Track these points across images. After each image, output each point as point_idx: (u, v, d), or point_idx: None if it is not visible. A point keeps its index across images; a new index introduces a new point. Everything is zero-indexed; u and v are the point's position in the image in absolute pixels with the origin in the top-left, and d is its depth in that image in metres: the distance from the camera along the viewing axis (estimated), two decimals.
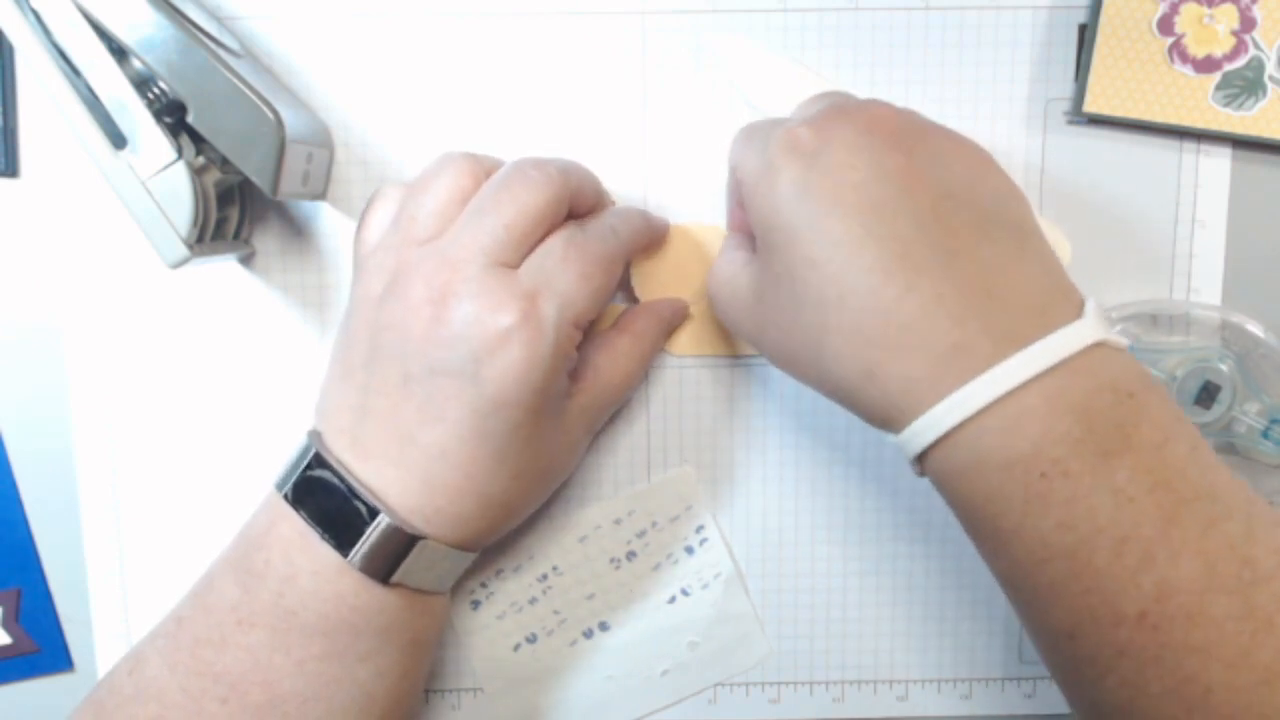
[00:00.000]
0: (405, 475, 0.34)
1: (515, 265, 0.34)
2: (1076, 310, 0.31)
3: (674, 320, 0.42)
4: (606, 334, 0.40)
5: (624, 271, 0.39)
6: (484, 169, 0.36)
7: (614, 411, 0.41)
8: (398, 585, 0.35)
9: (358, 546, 0.34)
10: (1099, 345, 0.30)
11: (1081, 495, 0.29)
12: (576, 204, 0.37)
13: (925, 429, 0.30)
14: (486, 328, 0.33)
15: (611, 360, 0.39)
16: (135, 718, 0.34)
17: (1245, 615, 0.29)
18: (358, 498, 0.34)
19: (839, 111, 0.33)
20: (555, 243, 0.35)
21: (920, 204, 0.31)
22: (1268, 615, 0.29)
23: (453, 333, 0.33)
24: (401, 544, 0.34)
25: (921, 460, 0.32)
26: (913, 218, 0.31)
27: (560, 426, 0.37)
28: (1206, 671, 0.29)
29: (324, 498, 0.34)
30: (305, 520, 0.34)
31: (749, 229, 0.37)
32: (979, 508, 0.31)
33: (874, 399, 0.31)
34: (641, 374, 0.41)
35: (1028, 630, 0.34)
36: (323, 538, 0.34)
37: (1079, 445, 0.29)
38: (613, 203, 0.41)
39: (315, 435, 0.36)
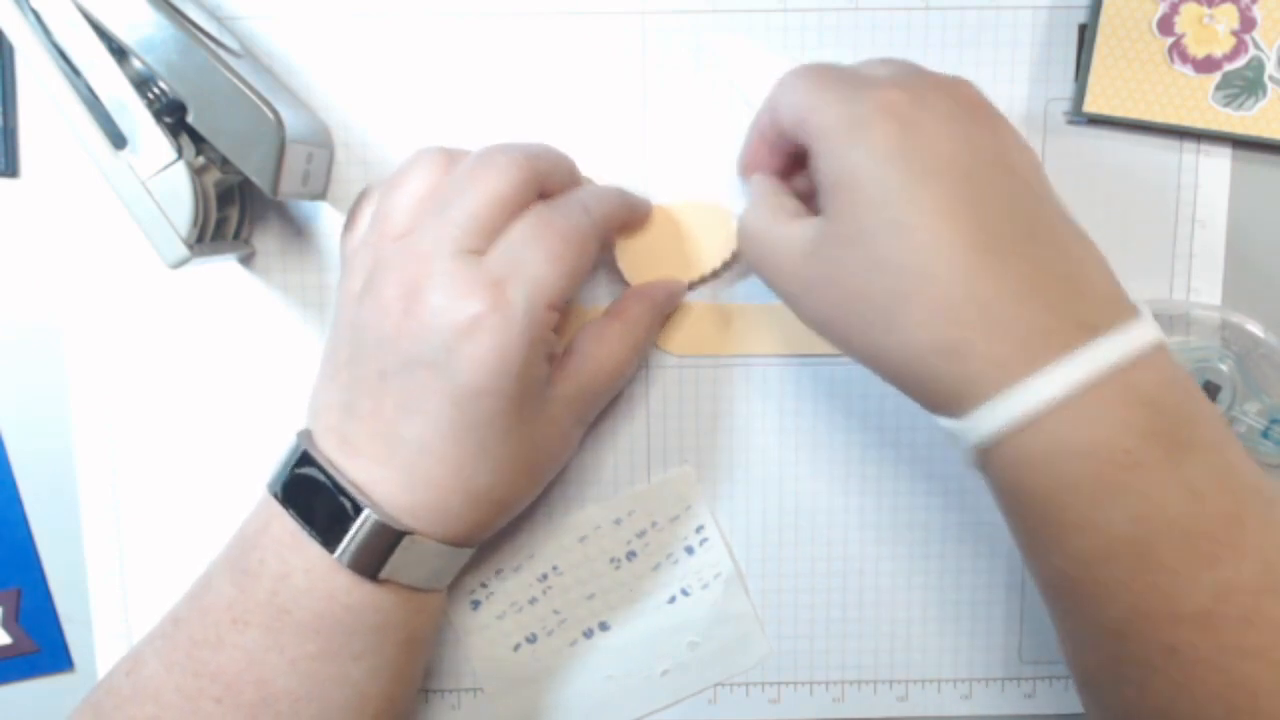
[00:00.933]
0: (391, 472, 0.34)
1: (484, 252, 0.34)
2: (1134, 308, 0.31)
3: (669, 302, 0.40)
4: (597, 320, 0.39)
5: (600, 250, 0.37)
6: (455, 161, 0.36)
7: (609, 400, 0.40)
8: (390, 582, 0.35)
9: (345, 543, 0.34)
10: (1161, 343, 0.30)
11: (1154, 488, 0.29)
12: (548, 186, 0.36)
13: (1004, 412, 0.29)
14: (455, 317, 0.32)
15: (601, 347, 0.38)
16: (132, 718, 0.34)
17: None
18: (344, 494, 0.34)
19: (932, 81, 0.33)
20: (523, 225, 0.34)
21: (1009, 185, 0.31)
22: None
23: (423, 324, 0.33)
24: (389, 540, 0.34)
25: (984, 448, 0.31)
26: (1004, 197, 0.31)
27: (546, 416, 0.36)
28: (1257, 675, 0.29)
29: (312, 496, 0.34)
30: (294, 518, 0.34)
31: (786, 176, 0.37)
32: (1048, 498, 0.30)
33: (950, 377, 0.30)
34: (634, 360, 0.39)
35: (1066, 631, 0.33)
36: (311, 535, 0.34)
37: (1153, 438, 0.29)
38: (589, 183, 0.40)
39: (305, 434, 0.36)
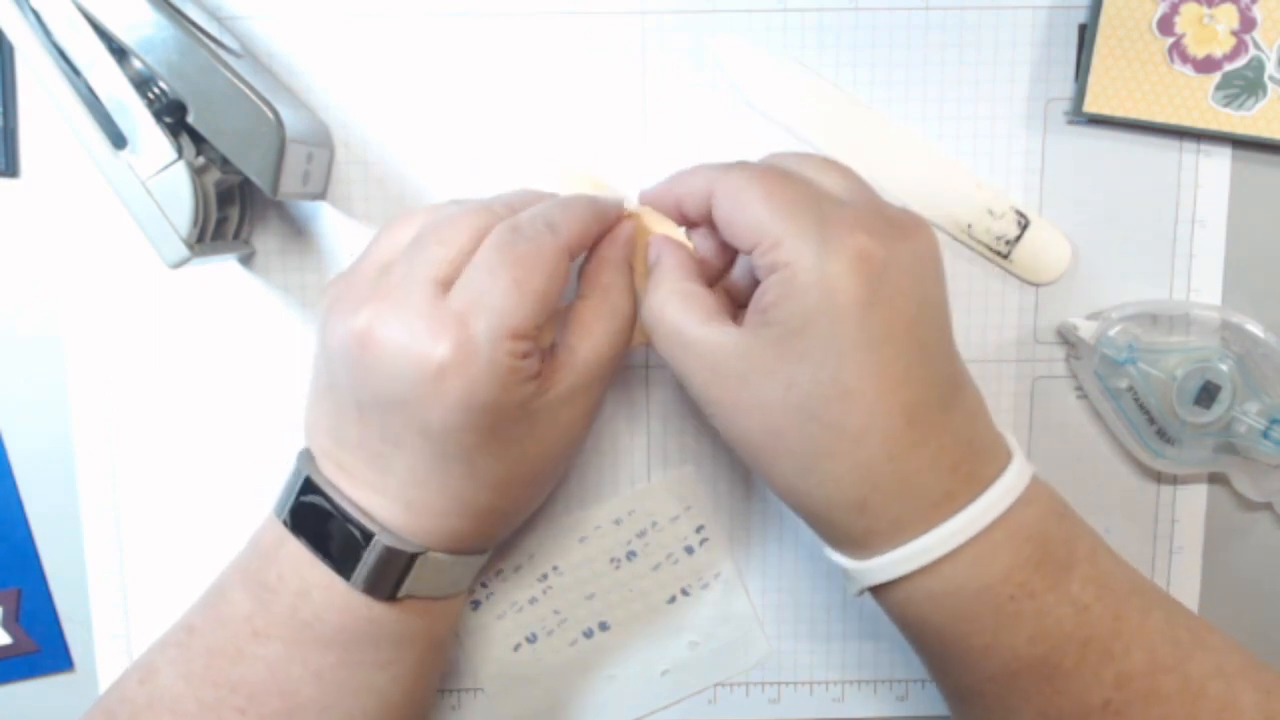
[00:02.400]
0: (388, 501, 0.34)
1: (449, 284, 0.32)
2: (1008, 449, 0.34)
3: (628, 248, 0.37)
4: (573, 305, 0.36)
5: (569, 266, 0.34)
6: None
7: (614, 375, 0.37)
8: (416, 597, 0.35)
9: (358, 569, 0.34)
10: (1033, 474, 0.33)
11: (1047, 610, 0.32)
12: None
13: (904, 562, 0.32)
14: (419, 361, 0.31)
15: (584, 336, 0.35)
16: None
17: (1184, 688, 0.32)
18: (351, 522, 0.34)
19: (898, 226, 0.32)
20: (484, 251, 0.32)
21: (941, 346, 0.33)
22: (1200, 684, 0.32)
23: (387, 364, 0.32)
24: (402, 562, 0.34)
25: (882, 587, 0.33)
26: (938, 359, 0.32)
27: (544, 422, 0.34)
28: None
29: (320, 523, 0.34)
30: (305, 546, 0.34)
31: (718, 275, 0.36)
32: (948, 628, 0.33)
33: (853, 528, 0.32)
34: (623, 330, 0.36)
35: None
36: (324, 563, 0.34)
37: (1040, 567, 0.32)
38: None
39: (305, 457, 0.36)
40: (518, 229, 0.33)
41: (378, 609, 0.34)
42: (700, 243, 0.36)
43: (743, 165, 0.34)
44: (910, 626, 0.34)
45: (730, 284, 0.37)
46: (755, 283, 0.33)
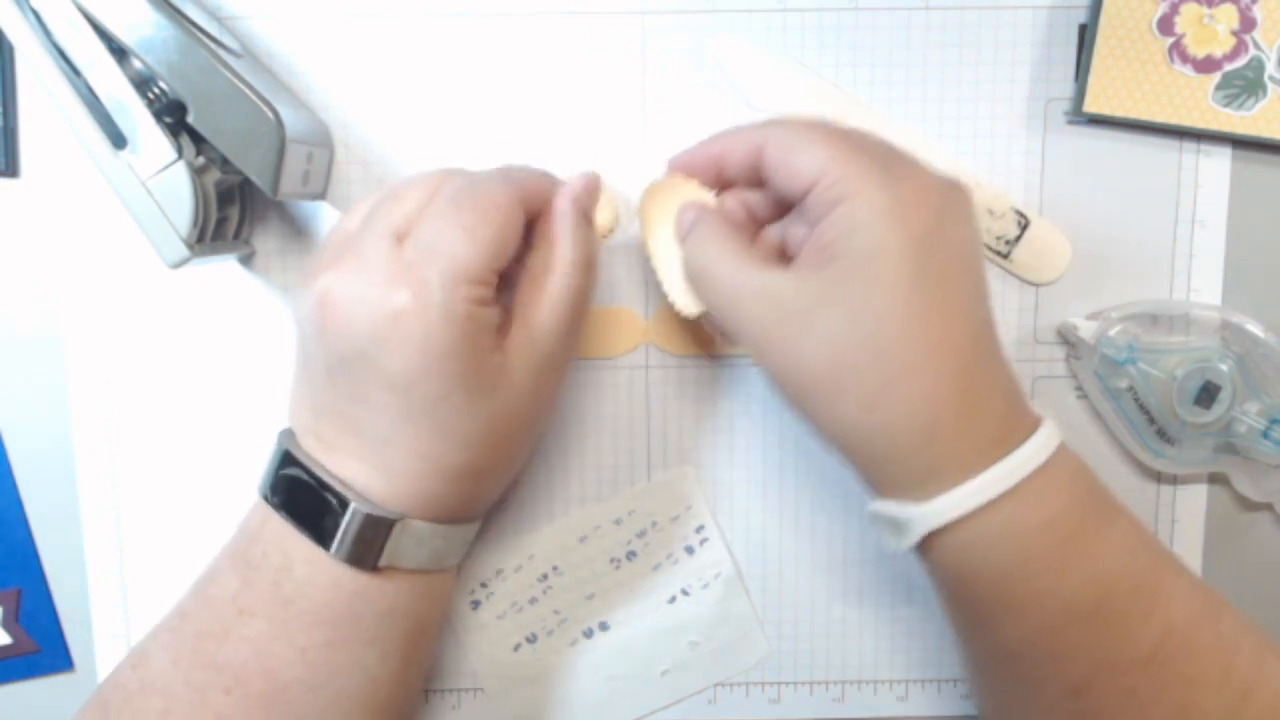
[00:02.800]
0: (365, 467, 0.34)
1: (404, 238, 0.33)
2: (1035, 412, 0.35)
3: (583, 198, 0.36)
4: (525, 263, 0.36)
5: (523, 218, 0.34)
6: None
7: (575, 338, 0.36)
8: (393, 569, 0.35)
9: (339, 539, 0.34)
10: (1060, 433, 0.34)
11: (1100, 552, 0.32)
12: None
13: (969, 496, 0.31)
14: (375, 309, 0.32)
15: (537, 293, 0.35)
16: (141, 712, 0.34)
17: (1219, 643, 0.33)
18: (328, 490, 0.34)
19: (949, 178, 0.33)
20: (436, 203, 0.33)
21: (986, 291, 0.34)
22: (1234, 641, 0.33)
23: (346, 318, 0.32)
24: (381, 530, 0.34)
25: (936, 533, 0.32)
26: (986, 307, 0.33)
27: (505, 382, 0.34)
28: (1200, 699, 0.32)
29: (299, 495, 0.34)
30: (285, 519, 0.34)
31: (750, 238, 0.36)
32: (1008, 573, 0.32)
33: (920, 460, 0.32)
34: (575, 279, 0.35)
35: (1016, 703, 0.35)
36: (304, 534, 0.34)
37: (1091, 509, 0.33)
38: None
39: (286, 434, 0.36)
40: (472, 180, 0.34)
41: (360, 582, 0.34)
42: (732, 204, 0.37)
43: (791, 117, 0.35)
44: (964, 580, 0.33)
45: (761, 244, 0.37)
46: (781, 246, 0.35)
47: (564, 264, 0.35)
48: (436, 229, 0.32)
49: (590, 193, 0.36)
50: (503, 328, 0.34)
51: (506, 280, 0.35)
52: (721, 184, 0.37)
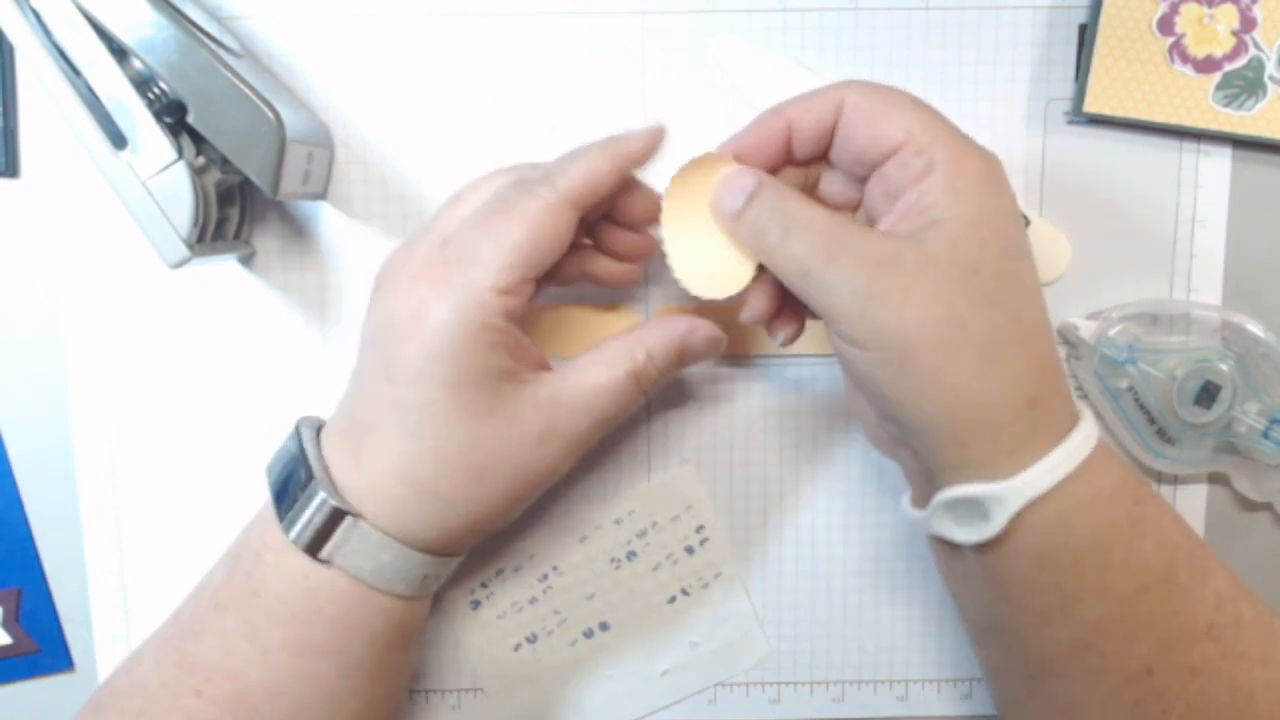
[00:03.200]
0: (346, 447, 0.34)
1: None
2: None
3: (694, 349, 0.36)
4: (600, 341, 0.36)
5: (573, 220, 0.33)
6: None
7: (598, 429, 0.35)
8: (343, 574, 0.34)
9: (298, 519, 0.33)
10: None
11: (1161, 517, 0.33)
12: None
13: (1063, 460, 0.31)
14: (399, 299, 0.33)
15: (593, 359, 0.35)
16: (124, 712, 0.34)
17: (1258, 617, 0.33)
18: (304, 464, 0.34)
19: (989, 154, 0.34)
20: (481, 203, 0.34)
21: None
22: (1269, 615, 0.34)
23: (378, 302, 0.34)
24: (334, 519, 0.33)
25: (1026, 514, 0.31)
26: None
27: (506, 414, 0.33)
28: (1250, 675, 0.32)
29: (285, 467, 0.35)
30: (269, 489, 0.35)
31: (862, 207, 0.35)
32: (1093, 541, 0.32)
33: (1018, 429, 0.31)
34: (627, 390, 0.35)
35: (1075, 703, 0.34)
36: (274, 510, 0.34)
37: (1140, 480, 0.33)
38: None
39: (311, 420, 0.37)
40: (519, 182, 0.34)
41: (313, 581, 0.34)
42: (791, 179, 0.35)
43: (862, 82, 0.34)
44: (1048, 561, 0.32)
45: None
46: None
47: (627, 370, 0.35)
48: (472, 234, 0.33)
49: (705, 349, 0.37)
50: (523, 355, 0.34)
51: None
52: (784, 161, 0.35)
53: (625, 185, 0.36)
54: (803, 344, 0.42)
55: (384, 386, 0.33)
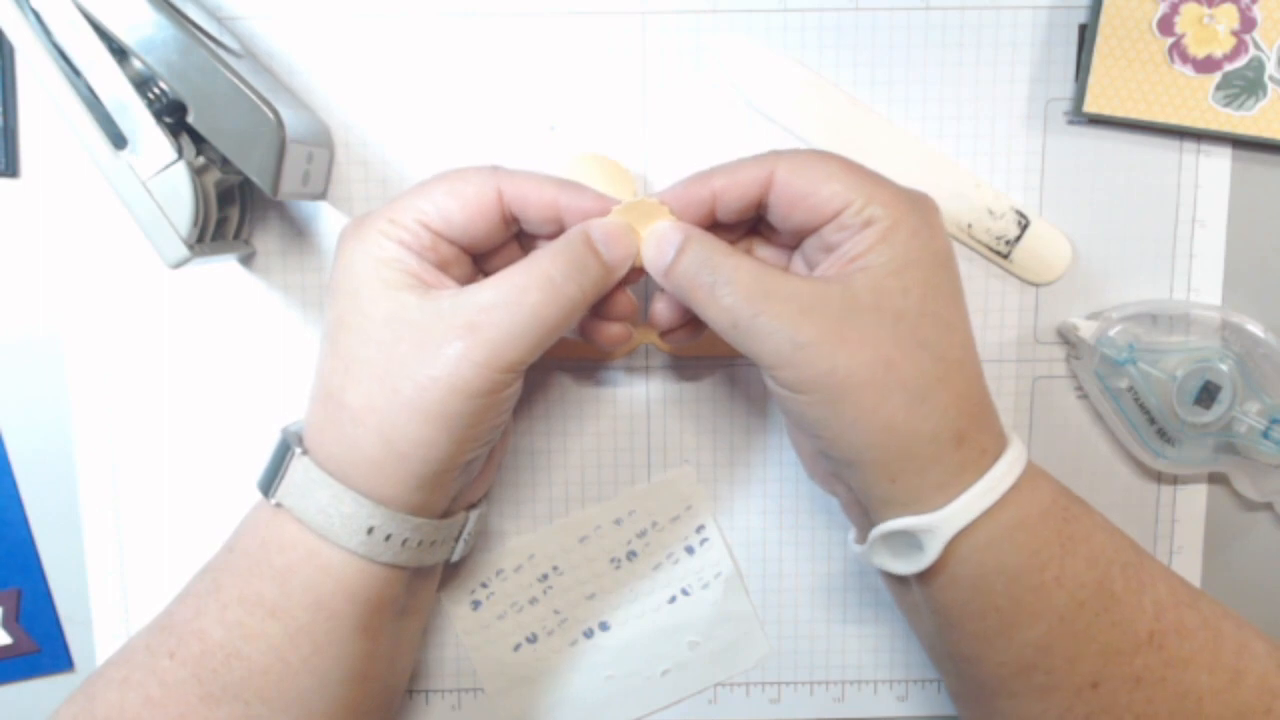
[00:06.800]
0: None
1: None
2: None
3: (610, 235, 0.34)
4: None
5: (493, 201, 0.34)
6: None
7: (526, 344, 0.32)
8: (293, 518, 0.34)
9: (266, 464, 0.35)
10: None
11: (1090, 532, 0.34)
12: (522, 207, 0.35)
13: (989, 493, 0.32)
14: (346, 231, 0.35)
15: (504, 276, 0.33)
16: (110, 681, 0.35)
17: (1204, 624, 0.34)
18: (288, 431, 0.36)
19: (927, 196, 0.35)
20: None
21: None
22: (1216, 622, 0.34)
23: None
24: (285, 456, 0.34)
25: (957, 542, 0.33)
26: None
27: (405, 318, 0.32)
28: (1196, 681, 0.33)
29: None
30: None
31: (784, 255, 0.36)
32: (1023, 564, 0.33)
33: (948, 464, 0.32)
34: (550, 297, 0.32)
35: (1036, 718, 0.35)
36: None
37: (1070, 497, 0.35)
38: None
39: None
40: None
41: (270, 528, 0.34)
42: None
43: (790, 151, 0.34)
44: (981, 586, 0.33)
45: None
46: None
47: (537, 280, 0.33)
48: (409, 191, 0.35)
49: (616, 238, 0.34)
50: (461, 281, 0.35)
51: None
52: (713, 221, 0.35)
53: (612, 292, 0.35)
54: None
55: (326, 315, 0.35)
